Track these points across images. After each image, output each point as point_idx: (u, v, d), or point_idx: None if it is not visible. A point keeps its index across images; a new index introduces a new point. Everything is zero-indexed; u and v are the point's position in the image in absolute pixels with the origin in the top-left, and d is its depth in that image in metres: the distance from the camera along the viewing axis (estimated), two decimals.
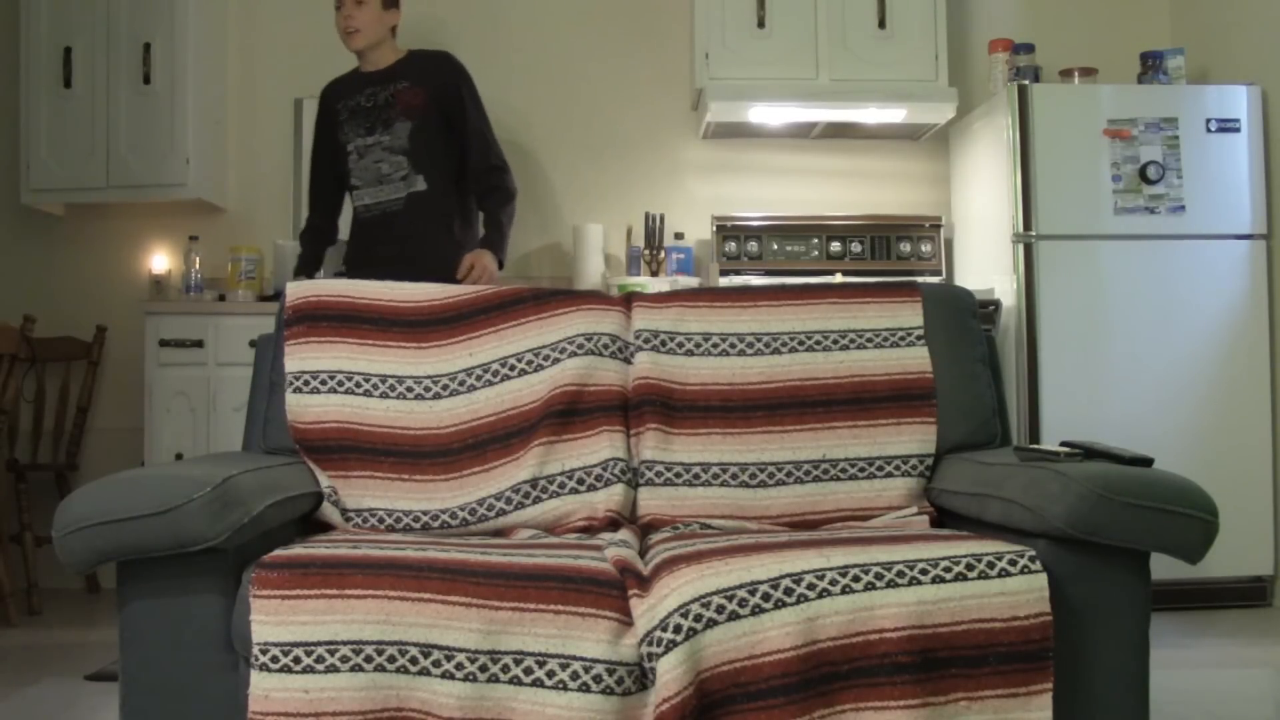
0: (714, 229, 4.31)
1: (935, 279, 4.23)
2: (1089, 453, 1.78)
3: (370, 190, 3.41)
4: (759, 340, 2.19)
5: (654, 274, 4.18)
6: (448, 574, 1.56)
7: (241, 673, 1.58)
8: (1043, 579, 1.58)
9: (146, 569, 1.60)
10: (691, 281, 4.12)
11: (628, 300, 2.28)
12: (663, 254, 4.22)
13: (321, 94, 3.60)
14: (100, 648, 3.18)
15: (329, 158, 3.52)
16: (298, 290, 2.22)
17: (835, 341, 2.18)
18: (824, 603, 1.52)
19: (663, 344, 2.18)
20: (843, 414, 2.12)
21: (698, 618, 1.50)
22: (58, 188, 4.16)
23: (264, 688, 1.51)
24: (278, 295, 3.17)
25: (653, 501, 2.07)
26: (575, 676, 1.49)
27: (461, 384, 2.14)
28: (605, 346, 2.17)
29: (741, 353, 2.18)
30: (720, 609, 1.51)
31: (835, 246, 4.29)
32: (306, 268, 3.63)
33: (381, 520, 2.04)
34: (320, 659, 1.51)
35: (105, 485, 1.61)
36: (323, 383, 2.11)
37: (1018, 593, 1.56)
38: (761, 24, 4.11)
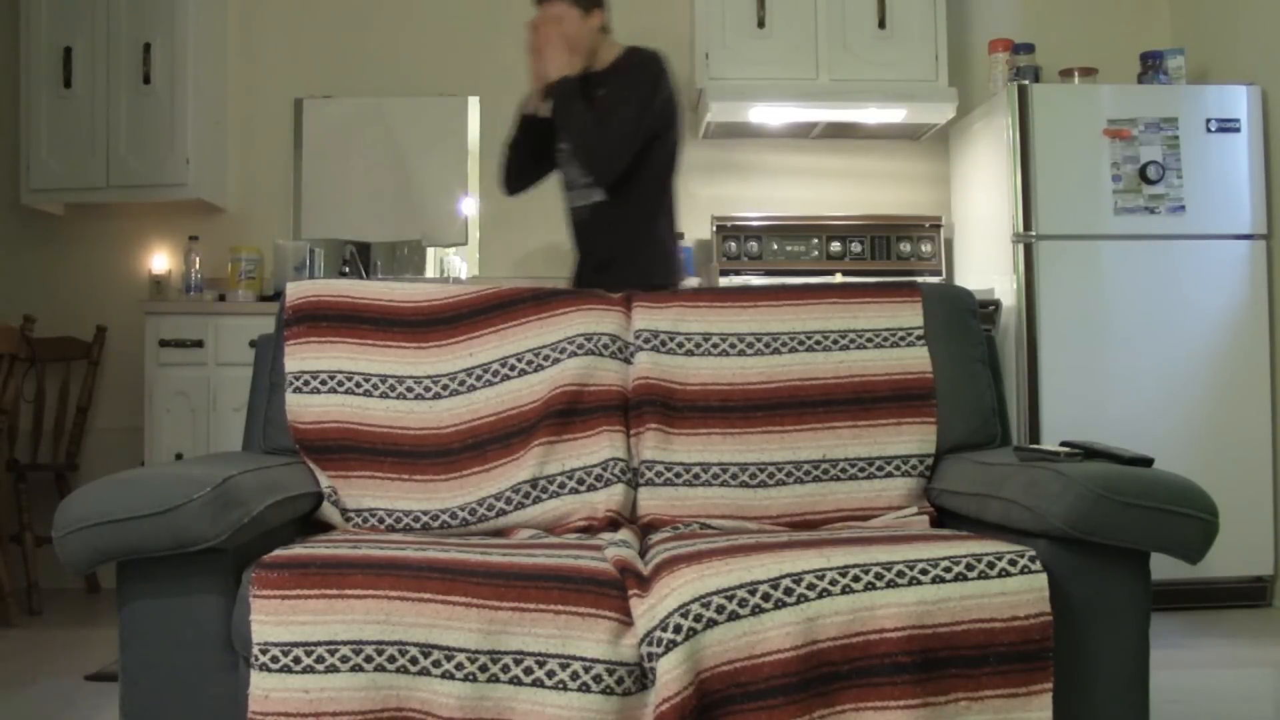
0: (714, 229, 4.31)
1: (935, 279, 4.23)
2: (1089, 453, 1.78)
3: (568, 195, 3.07)
4: (759, 340, 2.19)
5: None
6: (448, 574, 1.56)
7: (241, 673, 1.58)
8: (1043, 579, 1.57)
9: (146, 569, 1.60)
10: (691, 281, 4.11)
11: (628, 300, 2.28)
12: None
13: None
14: (100, 648, 3.18)
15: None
16: (298, 290, 2.22)
17: (835, 341, 2.18)
18: (824, 603, 1.52)
19: (663, 344, 2.18)
20: (843, 414, 2.12)
21: (698, 618, 1.50)
22: (58, 188, 4.16)
23: (264, 688, 1.51)
24: (278, 295, 3.16)
25: (653, 501, 2.07)
26: (575, 676, 1.49)
27: (461, 384, 2.14)
28: (605, 346, 2.17)
29: (741, 353, 2.18)
30: (720, 609, 1.51)
31: (835, 246, 4.29)
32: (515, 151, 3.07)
33: (381, 520, 2.04)
34: (320, 659, 1.51)
35: (105, 485, 1.61)
36: (323, 383, 2.11)
37: (1018, 593, 1.56)
38: (761, 24, 4.12)
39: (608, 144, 2.80)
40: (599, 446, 2.09)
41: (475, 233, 4.44)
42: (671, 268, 2.98)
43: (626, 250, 2.90)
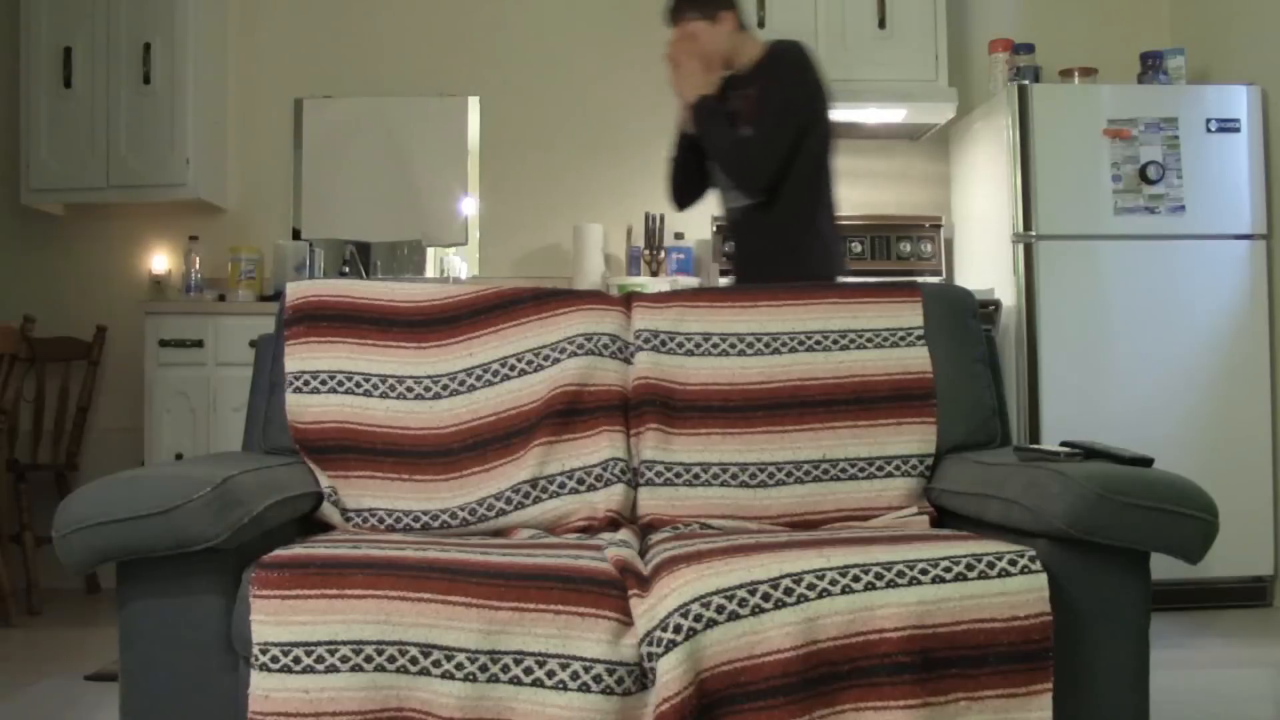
0: (714, 229, 4.31)
1: (935, 279, 4.23)
2: (1089, 453, 1.78)
3: (723, 196, 3.05)
4: (759, 340, 2.18)
5: (654, 274, 4.19)
6: (448, 574, 1.56)
7: (241, 673, 1.58)
8: (1043, 579, 1.57)
9: (146, 569, 1.60)
10: (691, 281, 4.12)
11: (628, 300, 2.28)
12: (663, 254, 4.23)
13: None
14: (100, 648, 3.18)
15: None
16: (298, 290, 2.22)
17: (835, 341, 2.18)
18: (824, 603, 1.52)
19: (663, 344, 2.18)
20: (843, 414, 2.12)
21: (698, 618, 1.50)
22: (58, 188, 4.16)
23: (264, 688, 1.51)
24: (278, 295, 3.17)
25: (653, 501, 2.07)
26: (575, 676, 1.49)
27: (461, 384, 2.14)
28: (605, 346, 2.17)
29: (741, 353, 2.18)
30: (720, 609, 1.51)
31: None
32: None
33: (381, 520, 2.04)
34: (320, 659, 1.51)
35: (105, 485, 1.61)
36: (323, 383, 2.11)
37: (1018, 593, 1.56)
38: (761, 24, 4.11)
39: (752, 161, 2.78)
40: (599, 446, 2.09)
41: (475, 233, 4.44)
42: (830, 262, 2.91)
43: (784, 246, 2.86)
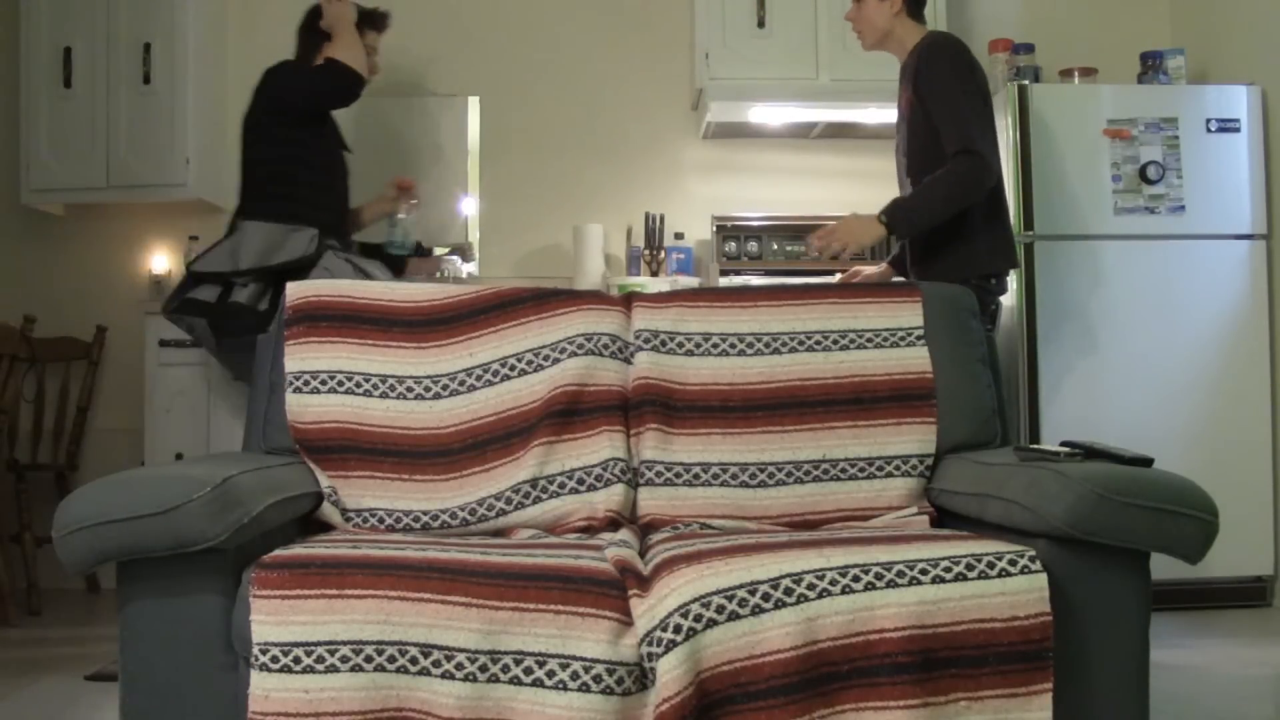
0: (714, 229, 4.31)
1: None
2: (1089, 453, 1.78)
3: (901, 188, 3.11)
4: (759, 340, 2.19)
5: (654, 274, 4.18)
6: (448, 574, 1.56)
7: (241, 673, 1.58)
8: (1043, 579, 1.58)
9: (146, 569, 1.60)
10: (691, 281, 4.12)
11: (628, 300, 2.28)
12: (663, 254, 4.23)
13: None
14: (100, 648, 3.18)
15: None
16: (298, 290, 2.22)
17: (835, 341, 2.18)
18: (824, 603, 1.53)
19: (663, 344, 2.18)
20: (843, 414, 2.12)
21: (698, 618, 1.50)
22: (58, 188, 4.16)
23: (264, 688, 1.51)
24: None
25: (653, 501, 2.07)
26: (575, 676, 1.49)
27: (461, 384, 2.14)
28: (605, 346, 2.17)
29: (741, 353, 2.18)
30: (720, 609, 1.51)
31: (835, 246, 4.28)
32: None
33: (381, 520, 2.04)
34: (320, 659, 1.51)
35: (105, 485, 1.61)
36: (323, 383, 2.11)
37: (1018, 593, 1.56)
38: (761, 24, 4.11)
39: (968, 174, 2.75)
40: (599, 446, 2.09)
41: (475, 233, 4.44)
42: (995, 255, 2.89)
43: (948, 241, 2.85)
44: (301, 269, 3.07)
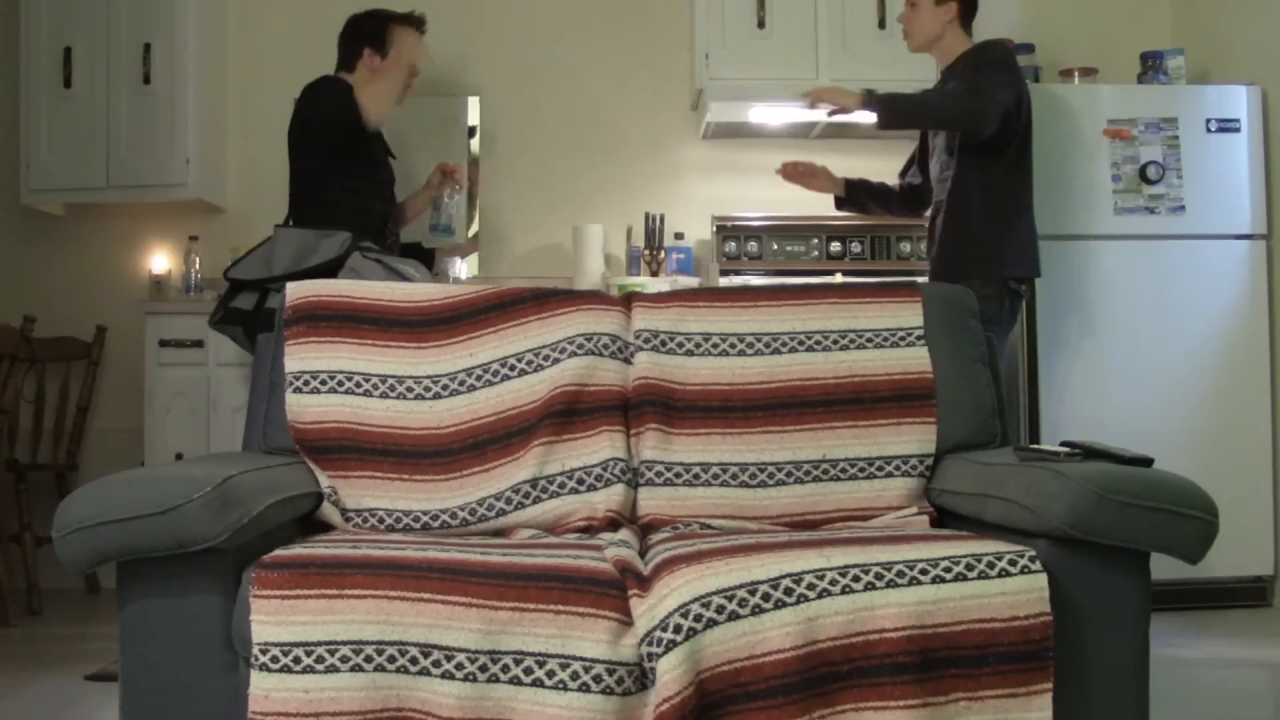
0: (714, 229, 4.31)
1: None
2: (1089, 453, 1.78)
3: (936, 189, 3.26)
4: (759, 340, 2.18)
5: (654, 274, 4.18)
6: (448, 574, 1.56)
7: (241, 673, 1.58)
8: (1043, 579, 1.58)
9: (146, 569, 1.60)
10: (691, 281, 4.12)
11: (628, 300, 2.28)
12: (663, 254, 4.23)
13: None
14: (100, 648, 3.18)
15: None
16: (298, 290, 2.22)
17: (835, 341, 2.18)
18: (824, 603, 1.53)
19: (663, 344, 2.18)
20: (843, 414, 2.12)
21: (698, 618, 1.50)
22: (58, 188, 4.16)
23: (264, 688, 1.51)
24: None
25: (653, 501, 2.07)
26: (575, 676, 1.49)
27: (461, 384, 2.14)
28: (605, 346, 2.17)
29: (741, 353, 2.18)
30: (720, 609, 1.51)
31: (835, 246, 4.29)
32: None
33: (381, 520, 2.04)
34: (320, 659, 1.51)
35: (105, 485, 1.61)
36: (323, 383, 2.11)
37: (1018, 593, 1.56)
38: (761, 24, 4.11)
39: (975, 101, 2.87)
40: (599, 446, 2.09)
41: (475, 233, 4.43)
42: (1018, 260, 3.01)
43: (973, 239, 2.99)
44: (333, 272, 3.10)
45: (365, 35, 3.42)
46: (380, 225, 3.39)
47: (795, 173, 3.44)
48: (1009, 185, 3.09)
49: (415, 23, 3.51)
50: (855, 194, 3.45)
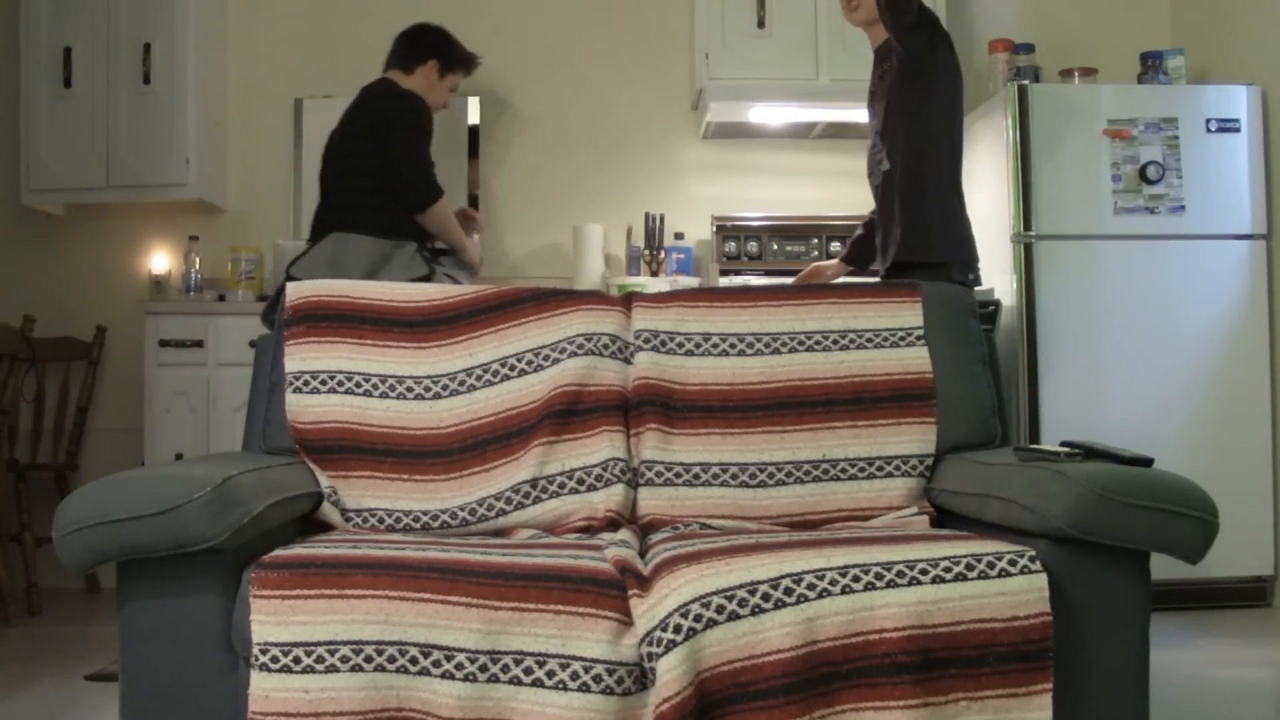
0: (714, 229, 4.31)
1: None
2: (1089, 453, 1.78)
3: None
4: (759, 340, 2.19)
5: (654, 274, 4.19)
6: (448, 574, 1.56)
7: (241, 673, 1.58)
8: (1043, 579, 1.57)
9: (146, 569, 1.60)
10: (691, 281, 4.12)
11: (628, 300, 2.28)
12: (663, 254, 4.23)
13: None
14: (100, 648, 3.18)
15: None
16: (298, 290, 2.22)
17: (835, 341, 2.18)
18: (824, 603, 1.52)
19: (663, 344, 2.18)
20: (843, 414, 2.12)
21: (698, 618, 1.50)
22: (58, 188, 4.17)
23: (264, 688, 1.51)
24: (278, 295, 3.16)
25: (653, 501, 2.07)
26: (575, 676, 1.49)
27: (461, 384, 2.14)
28: (605, 346, 2.17)
29: (741, 353, 2.18)
30: (720, 609, 1.51)
31: (835, 246, 4.29)
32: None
33: (381, 520, 2.04)
34: (320, 659, 1.51)
35: (105, 485, 1.61)
36: (323, 383, 2.11)
37: (1018, 593, 1.56)
38: (761, 24, 4.12)
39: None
40: (599, 446, 2.09)
41: (475, 232, 4.43)
42: (951, 243, 2.96)
43: (906, 223, 2.98)
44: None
45: (434, 49, 3.45)
46: (422, 231, 3.39)
47: (807, 279, 3.46)
48: (938, 156, 3.09)
49: (470, 67, 3.57)
50: (854, 258, 3.45)
